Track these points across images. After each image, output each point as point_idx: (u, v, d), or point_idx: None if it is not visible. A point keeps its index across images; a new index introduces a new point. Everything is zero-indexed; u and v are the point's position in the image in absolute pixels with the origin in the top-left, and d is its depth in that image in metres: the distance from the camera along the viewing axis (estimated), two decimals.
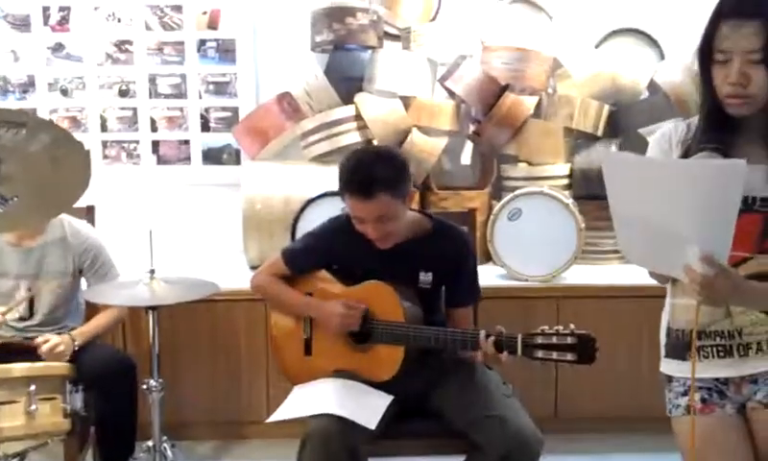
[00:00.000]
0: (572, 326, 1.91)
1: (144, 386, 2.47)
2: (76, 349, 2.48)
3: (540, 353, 1.90)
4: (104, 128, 3.60)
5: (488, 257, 3.20)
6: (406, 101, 3.36)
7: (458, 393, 2.08)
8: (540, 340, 1.90)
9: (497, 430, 1.95)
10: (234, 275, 3.16)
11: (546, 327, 1.92)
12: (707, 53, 1.54)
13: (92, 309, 2.70)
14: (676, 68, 3.33)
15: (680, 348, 1.70)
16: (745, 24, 1.46)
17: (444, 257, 2.15)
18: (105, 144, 3.60)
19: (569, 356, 1.88)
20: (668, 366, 1.75)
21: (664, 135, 1.69)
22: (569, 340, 1.88)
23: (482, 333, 1.96)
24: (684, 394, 1.69)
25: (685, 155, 1.59)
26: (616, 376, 3.05)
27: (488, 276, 3.12)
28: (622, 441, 3.05)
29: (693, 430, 1.56)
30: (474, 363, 2.12)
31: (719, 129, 1.55)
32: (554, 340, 1.89)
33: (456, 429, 2.06)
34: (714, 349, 1.64)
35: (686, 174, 1.40)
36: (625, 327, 3.02)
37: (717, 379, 1.66)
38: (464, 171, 3.66)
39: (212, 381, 3.09)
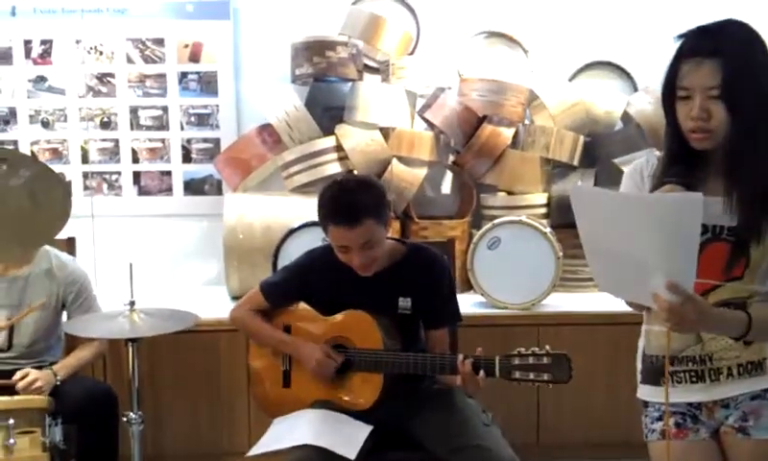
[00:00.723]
0: (548, 347, 1.95)
1: (124, 419, 2.45)
2: (58, 384, 2.47)
3: (517, 374, 1.93)
4: (85, 159, 3.60)
5: (468, 286, 3.23)
6: (386, 132, 3.41)
7: (438, 422, 2.09)
8: (517, 361, 1.94)
9: (478, 460, 1.96)
10: (216, 305, 3.17)
11: (523, 349, 1.96)
12: (670, 90, 1.60)
13: (72, 342, 2.69)
14: (648, 99, 3.42)
15: (654, 373, 1.73)
16: (704, 62, 1.53)
17: (420, 280, 2.18)
18: (86, 175, 3.61)
19: (546, 376, 1.92)
20: (644, 391, 1.78)
21: (636, 169, 1.74)
22: (545, 360, 1.92)
23: (460, 356, 1.99)
24: (659, 419, 1.72)
25: (655, 188, 1.63)
26: (597, 402, 3.08)
27: (468, 304, 3.15)
28: None
29: (669, 455, 1.58)
30: (454, 392, 2.14)
31: (683, 162, 1.61)
32: (530, 361, 1.93)
33: (435, 458, 2.06)
34: (687, 374, 1.68)
35: (647, 207, 1.45)
36: (604, 354, 3.06)
37: (690, 404, 1.69)
38: (444, 200, 3.70)
39: (193, 413, 3.07)
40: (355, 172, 3.32)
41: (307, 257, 2.30)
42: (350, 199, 2.04)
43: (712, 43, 1.54)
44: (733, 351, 1.64)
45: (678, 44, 1.59)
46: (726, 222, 1.59)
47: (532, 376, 1.93)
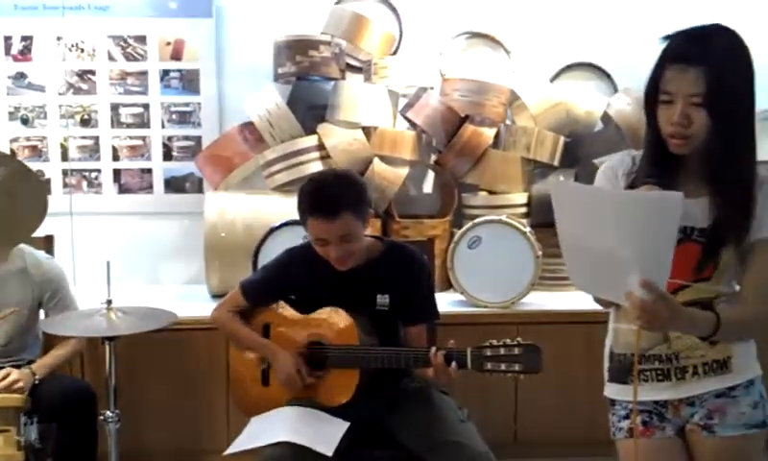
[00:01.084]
0: (519, 338, 1.97)
1: (101, 417, 2.45)
2: (36, 383, 2.46)
3: (489, 365, 1.95)
4: (65, 157, 3.58)
5: (448, 284, 3.25)
6: (368, 131, 3.42)
7: (415, 419, 2.11)
8: (488, 352, 1.96)
9: (454, 455, 1.98)
10: (196, 304, 3.16)
11: (495, 341, 1.97)
12: (652, 93, 1.60)
13: (50, 340, 2.67)
14: (627, 101, 3.45)
15: (621, 371, 1.74)
16: (689, 69, 1.53)
17: (398, 277, 2.19)
18: (65, 173, 3.59)
19: (517, 367, 1.93)
20: (611, 390, 1.79)
21: (611, 167, 1.75)
22: (516, 351, 1.94)
23: (433, 349, 2.00)
24: (626, 417, 1.74)
25: (630, 186, 1.65)
26: (574, 399, 3.11)
27: (448, 302, 3.17)
28: None
29: (637, 453, 1.60)
30: (430, 390, 2.16)
31: (661, 164, 1.62)
32: (502, 352, 1.95)
33: (412, 455, 2.08)
34: (653, 372, 1.69)
35: (627, 204, 1.46)
36: (583, 352, 3.08)
37: (657, 402, 1.71)
38: (426, 200, 3.72)
39: (172, 411, 3.06)
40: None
41: (287, 255, 2.31)
42: (330, 192, 2.06)
43: (699, 50, 1.54)
44: (699, 350, 1.66)
45: (663, 46, 1.60)
46: (697, 223, 1.61)
47: (503, 366, 1.94)
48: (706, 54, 1.53)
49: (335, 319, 2.15)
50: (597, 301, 1.74)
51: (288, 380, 2.14)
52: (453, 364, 1.97)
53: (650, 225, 1.41)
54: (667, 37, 1.60)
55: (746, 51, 1.58)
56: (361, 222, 2.09)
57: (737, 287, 1.67)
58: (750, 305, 1.62)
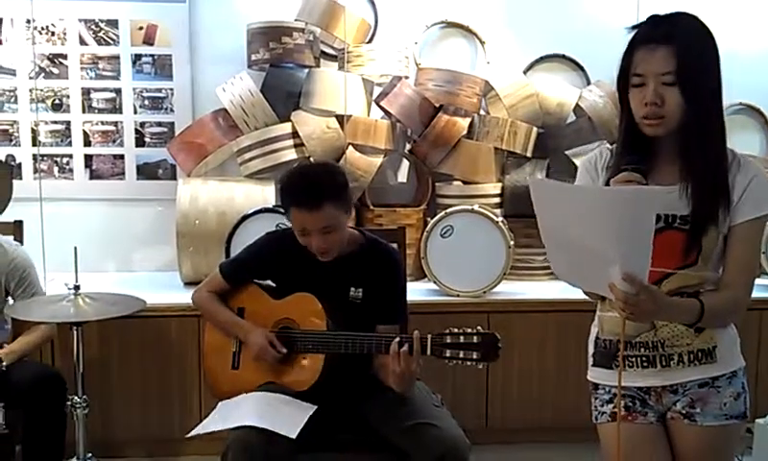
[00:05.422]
0: (479, 327, 1.99)
1: (69, 403, 2.43)
2: (3, 369, 2.44)
3: (448, 352, 1.97)
4: (35, 142, 3.54)
5: (421, 273, 3.27)
6: (342, 119, 3.42)
7: (388, 404, 2.12)
8: (448, 339, 1.98)
9: (429, 436, 2.00)
10: (168, 291, 3.15)
11: (455, 329, 1.99)
12: (624, 77, 1.63)
13: (20, 327, 2.65)
14: (599, 93, 3.49)
15: (607, 357, 1.76)
16: (658, 48, 1.56)
17: (373, 274, 2.21)
18: (36, 158, 3.55)
19: (475, 355, 1.95)
20: (595, 374, 1.80)
21: (591, 161, 1.78)
22: (475, 339, 1.96)
23: (396, 339, 2.01)
24: (610, 401, 1.75)
25: (609, 178, 1.66)
26: (545, 386, 3.16)
27: (420, 291, 3.19)
28: (552, 450, 3.14)
29: (619, 438, 1.60)
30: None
31: (636, 151, 1.64)
32: (461, 340, 1.97)
33: (386, 438, 2.10)
34: (639, 359, 1.71)
35: (604, 200, 1.47)
36: (552, 340, 3.14)
37: (640, 388, 1.73)
38: (400, 189, 3.73)
39: (144, 398, 3.05)
40: (311, 159, 3.32)
41: (266, 238, 2.34)
42: (313, 183, 2.08)
43: (666, 30, 1.57)
44: (685, 339, 1.67)
45: (631, 35, 1.62)
46: (678, 210, 1.62)
47: (462, 354, 1.96)
48: (673, 33, 1.56)
49: (305, 304, 2.17)
50: (586, 292, 1.74)
51: (261, 353, 2.15)
52: (414, 350, 1.97)
53: (627, 220, 1.42)
54: (634, 26, 1.63)
55: (711, 33, 1.61)
56: (343, 213, 2.11)
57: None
58: (731, 290, 1.64)
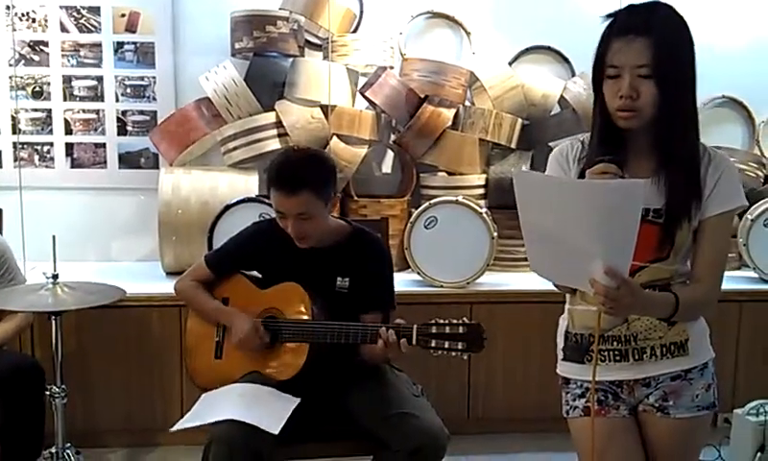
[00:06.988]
0: (465, 318, 1.99)
1: (47, 392, 2.41)
2: None
3: (433, 342, 1.97)
4: (15, 130, 3.49)
5: (405, 264, 3.27)
6: (326, 109, 3.40)
7: (369, 394, 2.12)
8: (434, 330, 1.98)
9: (408, 426, 2.00)
10: (149, 281, 3.12)
11: (441, 319, 1.99)
12: (599, 68, 1.61)
13: None
14: (584, 85, 3.49)
15: (578, 351, 1.75)
16: (635, 40, 1.54)
17: (360, 264, 2.20)
18: (16, 146, 3.50)
19: (460, 345, 1.96)
20: (565, 368, 1.79)
21: (562, 153, 1.75)
22: (461, 330, 1.96)
23: (383, 327, 2.02)
24: (582, 396, 1.75)
25: (583, 170, 1.65)
26: (527, 377, 3.17)
27: (404, 282, 3.19)
28: (534, 439, 3.15)
29: (594, 435, 1.61)
30: (384, 367, 2.17)
31: (611, 143, 1.62)
32: (447, 330, 1.97)
33: (365, 428, 2.10)
34: (611, 353, 1.70)
35: (589, 193, 1.45)
36: (535, 331, 3.13)
37: (612, 382, 1.72)
38: (385, 179, 3.72)
39: (125, 388, 3.03)
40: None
41: (253, 228, 2.33)
42: (295, 168, 2.09)
43: (643, 21, 1.55)
44: (658, 332, 1.68)
45: (606, 23, 1.60)
46: (652, 204, 1.62)
47: (447, 345, 1.96)
48: (650, 25, 1.54)
49: (290, 294, 2.16)
50: (557, 286, 1.74)
51: (246, 339, 2.14)
52: (404, 340, 1.98)
53: (612, 213, 1.41)
54: (610, 15, 1.61)
55: (686, 24, 1.60)
56: (322, 203, 2.10)
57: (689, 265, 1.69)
58: (703, 284, 1.64)
